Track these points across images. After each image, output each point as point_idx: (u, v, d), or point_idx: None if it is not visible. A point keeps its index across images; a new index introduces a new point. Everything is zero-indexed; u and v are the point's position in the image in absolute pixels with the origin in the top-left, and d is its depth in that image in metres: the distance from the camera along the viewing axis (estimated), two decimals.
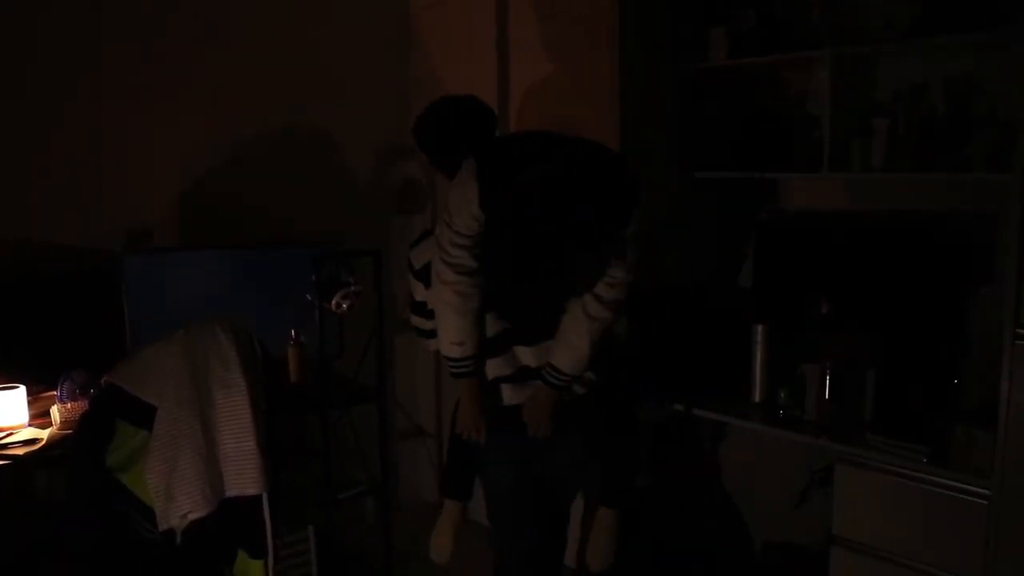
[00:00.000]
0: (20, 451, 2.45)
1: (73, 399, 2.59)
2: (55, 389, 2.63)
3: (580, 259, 2.17)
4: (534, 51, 3.29)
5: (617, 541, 2.71)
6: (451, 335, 2.29)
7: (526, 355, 2.33)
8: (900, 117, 2.69)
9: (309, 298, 2.91)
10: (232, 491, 2.15)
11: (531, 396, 2.32)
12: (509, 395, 2.36)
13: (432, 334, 2.47)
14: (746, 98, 3.19)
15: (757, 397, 2.87)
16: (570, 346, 2.24)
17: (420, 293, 2.56)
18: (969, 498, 2.30)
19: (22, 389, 2.60)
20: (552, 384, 2.29)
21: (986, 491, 2.27)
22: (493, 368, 2.36)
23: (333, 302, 2.90)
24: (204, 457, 2.10)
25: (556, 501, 2.55)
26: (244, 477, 2.15)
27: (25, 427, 2.59)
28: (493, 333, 2.34)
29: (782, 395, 2.72)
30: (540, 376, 2.30)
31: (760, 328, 2.83)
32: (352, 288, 2.93)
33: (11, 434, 2.53)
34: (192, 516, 2.10)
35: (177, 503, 2.08)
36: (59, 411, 2.60)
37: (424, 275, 2.47)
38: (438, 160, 2.52)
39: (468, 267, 2.22)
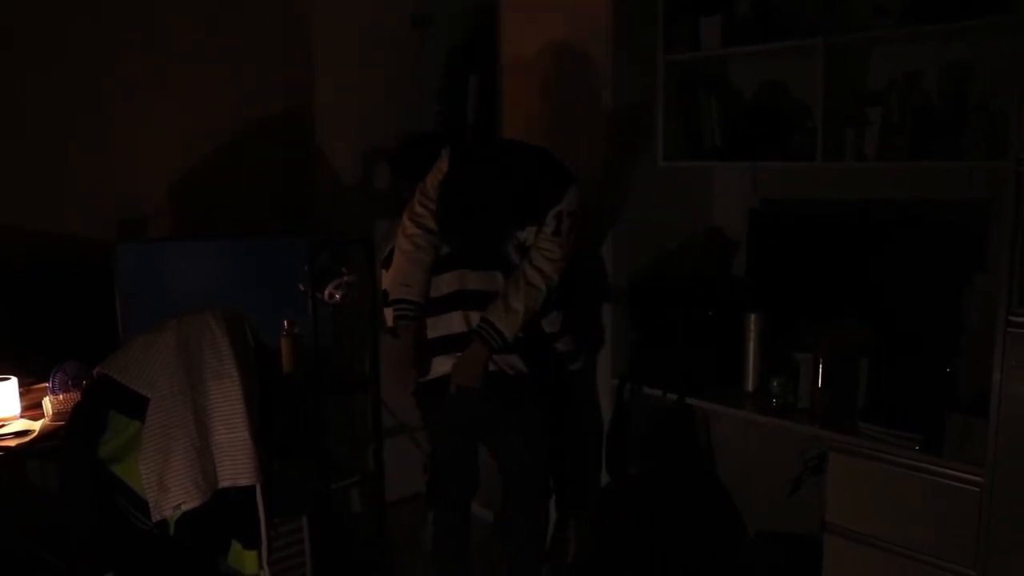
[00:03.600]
0: (12, 443, 2.44)
1: (65, 390, 2.58)
2: (47, 380, 2.62)
3: (515, 230, 2.52)
4: (528, 43, 3.27)
5: (566, 545, 3.07)
6: (401, 277, 2.61)
7: (460, 322, 2.58)
8: (893, 105, 2.69)
9: (302, 288, 2.90)
10: (225, 482, 2.14)
11: (462, 355, 2.55)
12: (437, 366, 2.61)
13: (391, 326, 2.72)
14: (739, 87, 3.19)
15: (750, 386, 2.88)
16: (507, 306, 2.51)
17: (383, 279, 2.84)
18: (962, 485, 2.31)
19: (14, 380, 2.60)
20: (482, 337, 2.51)
21: (978, 479, 2.28)
22: (432, 327, 2.62)
23: (326, 292, 2.90)
24: (197, 448, 2.09)
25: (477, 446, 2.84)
26: (237, 468, 2.14)
27: (17, 419, 2.58)
28: (438, 295, 2.61)
29: (775, 384, 2.72)
30: (473, 332, 2.54)
31: (753, 317, 2.84)
32: (345, 278, 2.92)
33: (3, 426, 2.52)
34: (185, 507, 2.09)
35: (170, 494, 2.07)
36: (51, 402, 2.59)
37: (387, 261, 2.77)
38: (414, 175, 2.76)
39: (428, 225, 2.60)
